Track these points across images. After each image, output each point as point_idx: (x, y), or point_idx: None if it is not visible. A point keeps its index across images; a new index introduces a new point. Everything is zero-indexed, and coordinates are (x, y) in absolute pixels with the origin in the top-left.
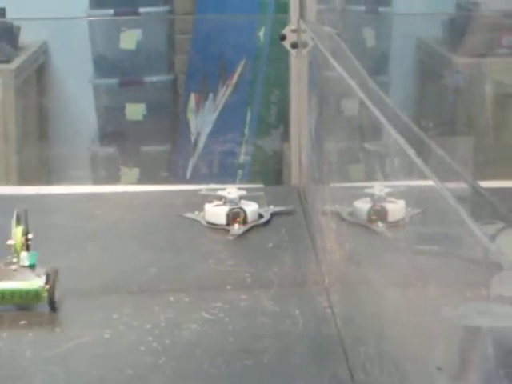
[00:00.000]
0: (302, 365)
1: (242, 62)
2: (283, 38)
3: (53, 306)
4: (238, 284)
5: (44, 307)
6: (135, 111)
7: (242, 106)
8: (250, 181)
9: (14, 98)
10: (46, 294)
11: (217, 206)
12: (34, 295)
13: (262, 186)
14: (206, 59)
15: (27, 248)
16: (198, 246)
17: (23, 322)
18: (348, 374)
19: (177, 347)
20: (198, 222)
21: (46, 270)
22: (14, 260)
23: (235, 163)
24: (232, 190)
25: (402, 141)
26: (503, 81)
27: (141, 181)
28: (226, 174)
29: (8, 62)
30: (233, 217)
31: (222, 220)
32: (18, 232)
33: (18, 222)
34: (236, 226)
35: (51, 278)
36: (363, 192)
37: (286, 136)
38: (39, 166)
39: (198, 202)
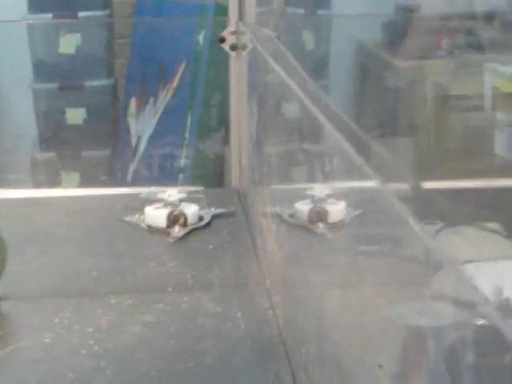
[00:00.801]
0: (244, 366)
1: (182, 66)
2: (222, 40)
3: None
4: (179, 286)
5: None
6: (75, 116)
7: (183, 109)
8: (192, 184)
9: None
10: None
11: (157, 208)
12: None
13: (202, 188)
14: (146, 63)
15: None
16: (139, 249)
17: None
18: (290, 376)
19: (118, 350)
20: (138, 225)
21: None
22: None
23: (176, 167)
24: (172, 193)
25: (342, 141)
26: (442, 83)
27: (81, 185)
28: (167, 178)
29: None
30: (173, 219)
31: (163, 223)
32: None
33: None
34: (177, 228)
35: None
36: (304, 194)
37: (227, 139)
38: None
39: (139, 205)
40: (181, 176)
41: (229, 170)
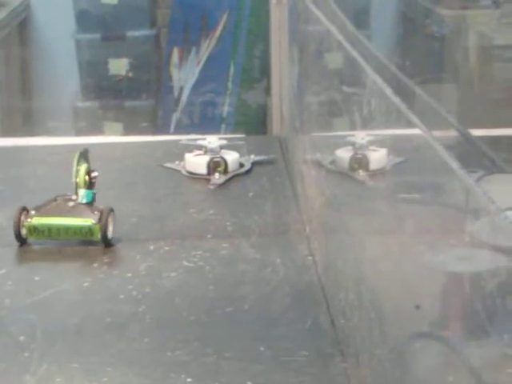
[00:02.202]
0: (283, 312)
1: (225, 15)
2: None
3: (106, 242)
4: (218, 233)
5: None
6: (118, 66)
7: (225, 59)
8: (234, 133)
9: None
10: (99, 231)
11: (197, 155)
12: (88, 231)
13: (242, 135)
14: (188, 13)
15: (90, 186)
16: (179, 196)
17: (3, 271)
18: (329, 320)
19: (157, 295)
20: (179, 171)
21: (101, 208)
22: (74, 197)
23: (219, 116)
24: (212, 140)
25: (386, 87)
26: (486, 32)
27: (124, 135)
28: (210, 127)
29: None
30: (213, 166)
31: (203, 169)
32: (81, 170)
33: (84, 160)
34: (217, 175)
35: (104, 216)
36: (345, 141)
37: (269, 89)
38: (21, 118)
39: (179, 152)
40: (223, 125)
41: (271, 120)
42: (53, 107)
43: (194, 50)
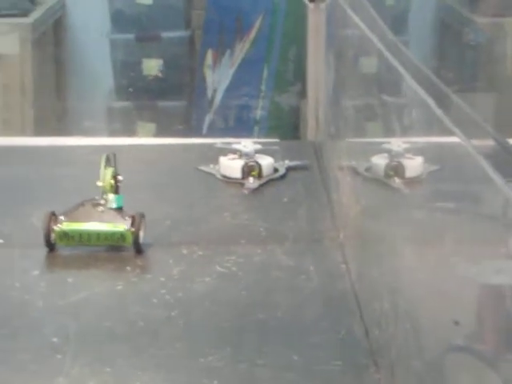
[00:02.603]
0: (317, 320)
1: (260, 18)
2: None
3: (138, 248)
4: (252, 238)
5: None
6: (152, 66)
7: (260, 61)
8: (267, 137)
9: (31, 51)
10: (131, 237)
11: (232, 159)
12: (120, 237)
13: (277, 140)
14: (223, 15)
15: (116, 190)
16: (213, 199)
17: (36, 273)
18: (362, 330)
19: (189, 300)
20: (213, 175)
21: (132, 214)
22: (102, 202)
23: (252, 118)
24: (247, 144)
25: (423, 94)
26: None
27: (157, 135)
28: (243, 130)
29: (25, 15)
30: (248, 170)
31: (237, 173)
32: (107, 174)
33: (109, 164)
34: (251, 179)
35: (137, 222)
36: (381, 148)
37: (303, 93)
38: (55, 118)
39: (213, 155)
40: (256, 128)
41: (304, 124)
42: (87, 107)
43: (228, 52)
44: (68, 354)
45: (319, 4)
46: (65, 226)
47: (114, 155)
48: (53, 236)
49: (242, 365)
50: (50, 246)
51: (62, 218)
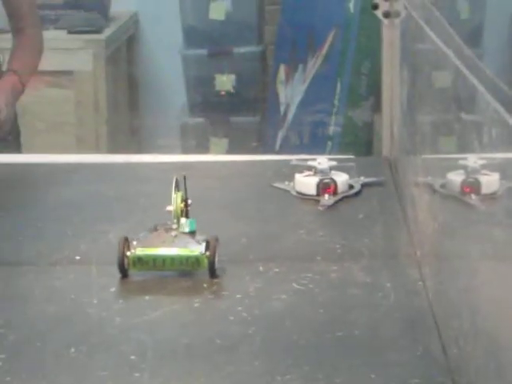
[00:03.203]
0: (394, 337)
1: (332, 33)
2: (375, 6)
3: (213, 272)
4: (328, 255)
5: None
6: (224, 82)
7: (332, 76)
8: (340, 152)
9: (105, 67)
10: (206, 261)
11: (307, 176)
12: (195, 262)
13: (352, 156)
14: (296, 30)
15: (186, 214)
16: (289, 216)
17: (113, 290)
18: (440, 348)
19: (266, 317)
20: (288, 192)
21: (206, 238)
22: (174, 226)
23: (325, 134)
24: (322, 161)
25: (500, 110)
26: None
27: (229, 151)
28: (316, 145)
29: (99, 32)
30: (323, 187)
31: (312, 190)
32: (177, 198)
33: (177, 189)
34: (326, 196)
35: (212, 245)
36: (456, 164)
37: (376, 107)
38: (129, 134)
39: (288, 172)
40: (329, 143)
41: (378, 139)
42: (159, 123)
43: (300, 67)
44: (146, 372)
45: (394, 19)
46: (139, 251)
47: (184, 177)
48: (126, 261)
49: (320, 383)
50: (124, 272)
51: (134, 243)
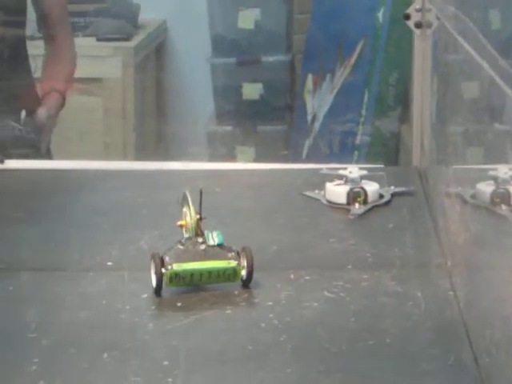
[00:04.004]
0: (425, 347)
1: (361, 43)
2: (407, 17)
3: (247, 283)
4: (359, 264)
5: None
6: (252, 90)
7: (360, 86)
8: (367, 162)
9: (133, 75)
10: (243, 272)
11: (338, 185)
12: (232, 273)
13: (382, 166)
14: (324, 39)
15: (199, 230)
16: (319, 225)
17: (145, 296)
18: (471, 357)
19: (298, 325)
20: (318, 200)
21: (237, 249)
22: (199, 239)
23: (352, 144)
24: (353, 170)
25: None
26: None
27: (256, 159)
28: (343, 155)
29: (128, 39)
30: (353, 196)
31: (343, 199)
32: (191, 211)
33: (187, 202)
34: (357, 205)
35: (249, 256)
36: (487, 175)
37: (403, 118)
38: (156, 142)
39: (318, 180)
40: (356, 153)
41: (405, 149)
42: (187, 131)
43: (328, 76)
44: (179, 378)
45: (426, 30)
46: (176, 266)
47: (201, 192)
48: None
49: None
50: (158, 291)
51: (167, 259)
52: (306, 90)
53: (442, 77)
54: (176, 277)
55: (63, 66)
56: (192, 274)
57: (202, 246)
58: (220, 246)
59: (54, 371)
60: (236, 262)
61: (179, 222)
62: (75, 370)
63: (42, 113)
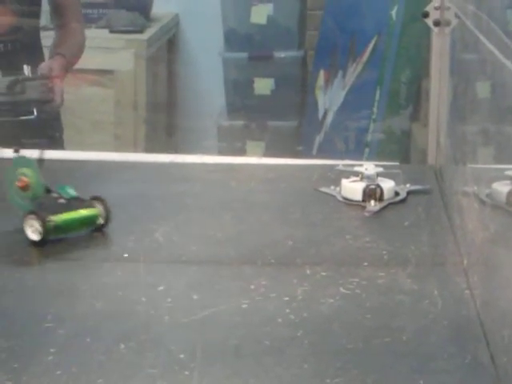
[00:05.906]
0: (441, 345)
1: (373, 40)
2: (426, 15)
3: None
4: (375, 261)
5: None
6: (264, 86)
7: (372, 84)
8: (377, 159)
9: (145, 67)
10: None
11: (354, 181)
12: (97, 219)
13: (397, 163)
14: (337, 36)
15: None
16: (334, 221)
17: (161, 288)
18: (488, 356)
19: (314, 321)
20: (334, 196)
21: (90, 197)
22: (54, 195)
23: (363, 141)
24: (369, 167)
25: None
26: None
27: (266, 154)
28: (353, 152)
29: (140, 32)
30: (369, 193)
31: (358, 196)
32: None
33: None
34: (372, 202)
35: (103, 204)
36: (503, 174)
37: (414, 116)
38: (166, 135)
39: (333, 177)
40: (366, 150)
41: (415, 147)
42: (197, 125)
43: (340, 73)
44: (195, 371)
45: (444, 28)
46: (55, 219)
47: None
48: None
49: None
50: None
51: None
52: (318, 87)
53: (459, 75)
54: (55, 228)
55: (72, 44)
56: (69, 223)
57: (61, 200)
58: (75, 198)
59: (71, 361)
60: (98, 209)
61: (18, 184)
62: (92, 359)
63: (45, 64)
